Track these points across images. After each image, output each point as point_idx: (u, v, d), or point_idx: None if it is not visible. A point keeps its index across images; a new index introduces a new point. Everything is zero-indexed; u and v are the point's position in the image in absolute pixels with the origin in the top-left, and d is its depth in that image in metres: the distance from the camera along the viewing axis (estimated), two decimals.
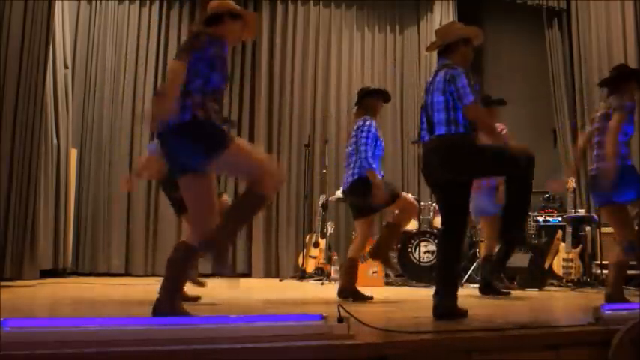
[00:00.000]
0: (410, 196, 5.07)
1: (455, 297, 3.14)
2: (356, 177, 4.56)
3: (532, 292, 5.58)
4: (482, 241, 6.02)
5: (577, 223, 6.61)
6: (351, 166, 4.63)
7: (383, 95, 4.88)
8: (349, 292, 4.49)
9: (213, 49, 2.82)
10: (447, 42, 3.39)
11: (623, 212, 4.03)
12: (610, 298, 3.90)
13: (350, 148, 4.69)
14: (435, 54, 3.54)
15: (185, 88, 2.75)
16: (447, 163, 3.25)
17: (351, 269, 4.64)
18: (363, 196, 4.53)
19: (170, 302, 2.72)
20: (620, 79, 4.12)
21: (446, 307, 3.09)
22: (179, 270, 2.81)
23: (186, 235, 2.95)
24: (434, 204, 6.87)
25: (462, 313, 3.11)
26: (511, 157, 3.26)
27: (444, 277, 3.18)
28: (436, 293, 3.13)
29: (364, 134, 4.57)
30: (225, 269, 2.78)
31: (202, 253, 2.88)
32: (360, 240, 4.78)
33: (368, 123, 4.62)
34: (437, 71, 3.40)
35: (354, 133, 4.68)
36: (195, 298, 3.92)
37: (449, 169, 3.24)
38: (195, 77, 2.78)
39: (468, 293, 5.33)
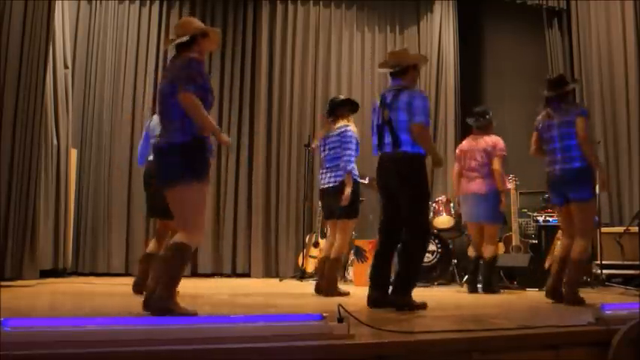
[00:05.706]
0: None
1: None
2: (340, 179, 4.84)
3: (532, 292, 5.58)
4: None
5: None
6: (333, 169, 4.92)
7: (352, 105, 5.20)
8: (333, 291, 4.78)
9: (202, 70, 3.02)
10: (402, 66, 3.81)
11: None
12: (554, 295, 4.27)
13: (331, 152, 4.96)
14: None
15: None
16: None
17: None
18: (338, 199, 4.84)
19: (169, 300, 2.82)
20: (563, 91, 4.44)
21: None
22: (178, 268, 2.92)
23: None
24: (433, 203, 6.87)
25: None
26: (423, 213, 3.76)
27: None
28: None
29: (347, 139, 4.84)
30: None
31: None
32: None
33: (349, 129, 4.89)
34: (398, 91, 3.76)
35: (336, 138, 4.92)
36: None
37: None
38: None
39: (467, 292, 5.34)
